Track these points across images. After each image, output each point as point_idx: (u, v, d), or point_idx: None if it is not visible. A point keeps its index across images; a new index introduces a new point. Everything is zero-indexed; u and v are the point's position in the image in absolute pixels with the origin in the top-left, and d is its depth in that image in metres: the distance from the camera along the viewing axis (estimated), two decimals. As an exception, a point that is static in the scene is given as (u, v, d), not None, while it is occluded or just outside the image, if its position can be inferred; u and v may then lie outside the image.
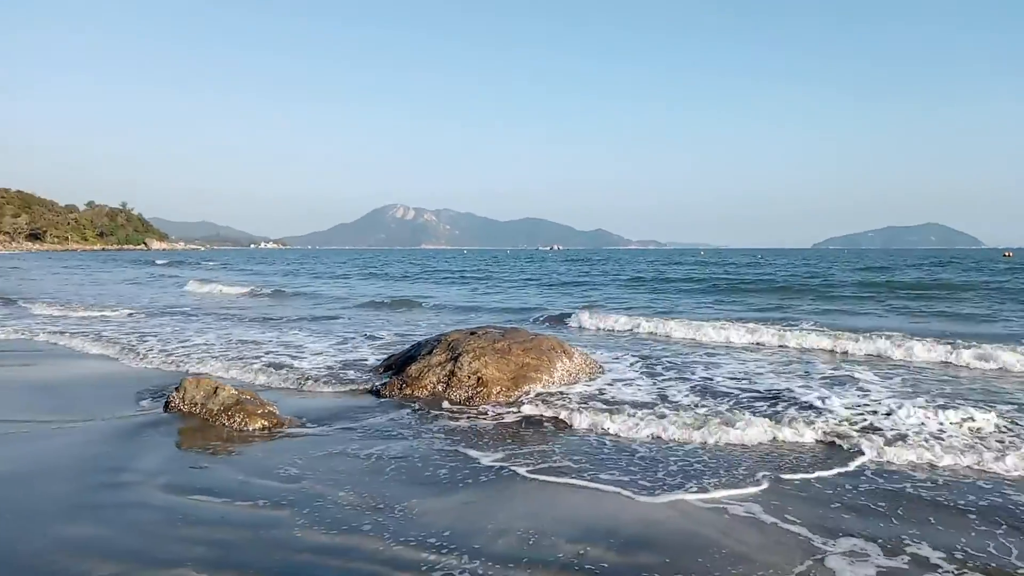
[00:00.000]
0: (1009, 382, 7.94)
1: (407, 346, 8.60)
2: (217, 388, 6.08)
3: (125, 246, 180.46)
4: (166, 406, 6.25)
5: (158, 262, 62.99)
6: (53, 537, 3.53)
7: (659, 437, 5.59)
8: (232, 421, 5.80)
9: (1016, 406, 6.54)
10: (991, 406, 6.33)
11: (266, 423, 5.79)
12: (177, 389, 6.25)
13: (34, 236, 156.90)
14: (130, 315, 15.23)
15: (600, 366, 8.25)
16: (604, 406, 6.39)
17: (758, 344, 10.74)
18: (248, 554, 3.38)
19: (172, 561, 3.27)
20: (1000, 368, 8.59)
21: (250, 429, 5.72)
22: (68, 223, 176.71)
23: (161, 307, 17.77)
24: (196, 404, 6.06)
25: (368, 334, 11.94)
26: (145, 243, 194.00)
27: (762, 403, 6.57)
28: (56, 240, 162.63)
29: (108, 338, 11.05)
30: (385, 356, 8.98)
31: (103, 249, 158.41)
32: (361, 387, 7.52)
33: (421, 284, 30.43)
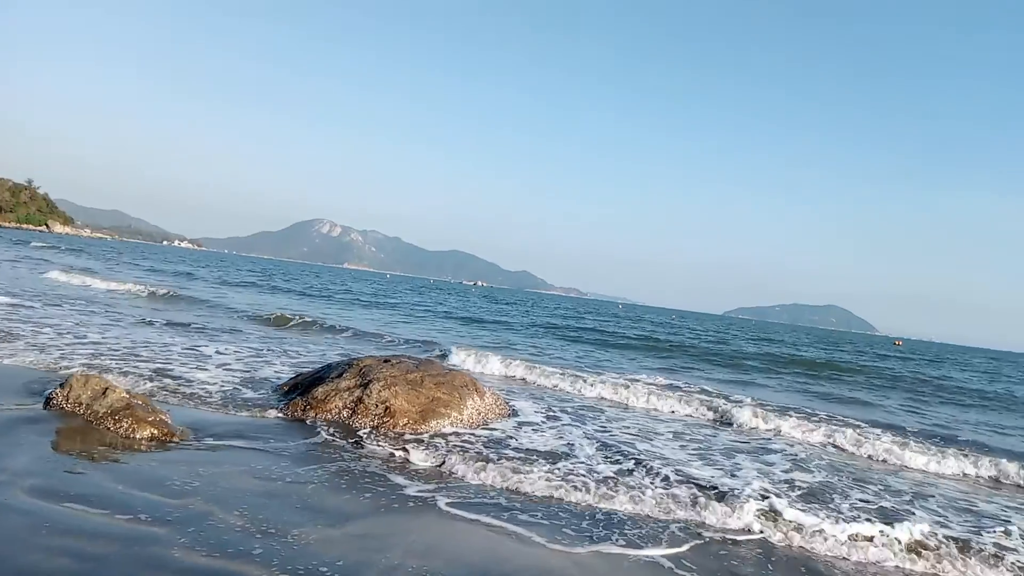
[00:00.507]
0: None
1: (317, 366, 8.36)
2: (107, 389, 5.71)
3: (24, 225, 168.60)
4: (47, 403, 5.81)
5: (33, 243, 57.83)
6: None
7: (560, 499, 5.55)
8: (119, 426, 5.44)
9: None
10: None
11: (156, 432, 5.46)
12: (62, 386, 5.83)
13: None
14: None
15: (511, 408, 8.24)
16: (510, 456, 6.35)
17: (655, 410, 10.67)
18: (118, 571, 3.15)
19: (31, 571, 3.01)
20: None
21: (138, 437, 5.38)
22: None
23: (30, 294, 15.69)
24: (81, 404, 5.66)
25: (272, 349, 11.53)
26: (47, 225, 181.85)
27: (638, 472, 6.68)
28: None
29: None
30: (291, 374, 8.68)
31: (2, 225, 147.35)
32: (262, 405, 7.21)
33: (336, 304, 29.65)
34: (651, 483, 5.85)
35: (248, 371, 9.02)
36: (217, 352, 10.34)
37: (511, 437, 6.97)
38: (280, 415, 6.87)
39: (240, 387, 7.93)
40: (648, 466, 6.31)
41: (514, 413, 8.13)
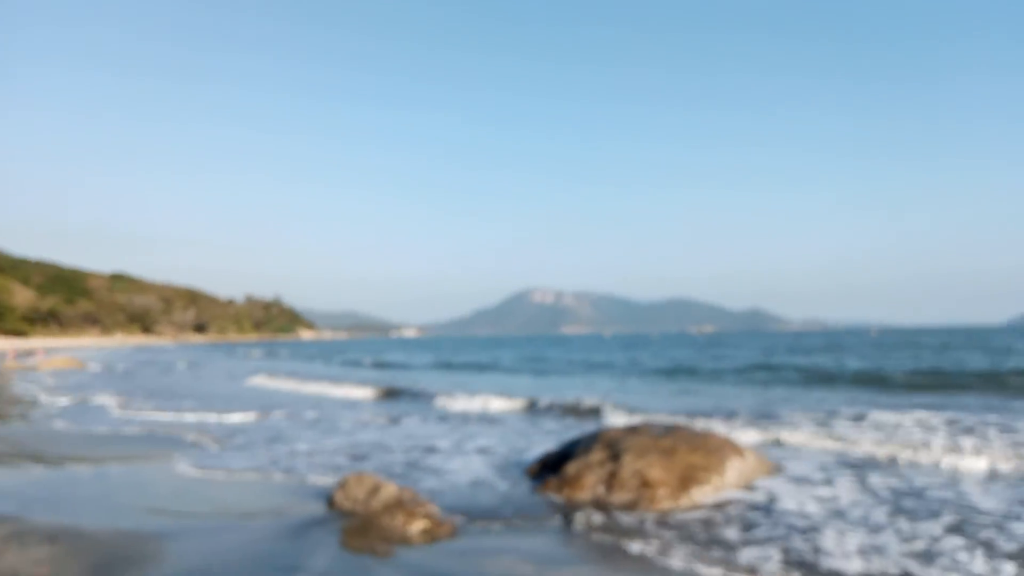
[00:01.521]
0: None
1: (563, 444, 8.30)
2: (378, 486, 6.07)
3: (278, 335, 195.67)
4: (329, 503, 6.30)
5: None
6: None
7: None
8: (394, 521, 5.72)
9: None
10: None
11: (427, 524, 5.66)
12: (341, 486, 6.30)
13: (199, 328, 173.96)
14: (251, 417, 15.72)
15: (777, 466, 7.54)
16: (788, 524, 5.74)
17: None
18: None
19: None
20: None
21: (411, 531, 5.60)
22: (228, 315, 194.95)
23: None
24: (358, 501, 6.06)
25: (503, 431, 11.72)
26: (297, 332, 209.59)
27: None
28: (217, 331, 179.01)
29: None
30: (536, 453, 8.71)
31: (258, 340, 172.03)
32: (514, 488, 7.26)
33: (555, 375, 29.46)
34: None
35: (489, 455, 9.17)
36: (454, 439, 10.69)
37: (781, 498, 6.33)
38: (535, 496, 6.85)
39: (488, 472, 8.08)
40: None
41: (778, 469, 7.43)
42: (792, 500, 6.33)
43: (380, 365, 38.35)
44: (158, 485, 7.32)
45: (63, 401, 16.85)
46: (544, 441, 10.18)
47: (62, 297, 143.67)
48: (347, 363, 40.69)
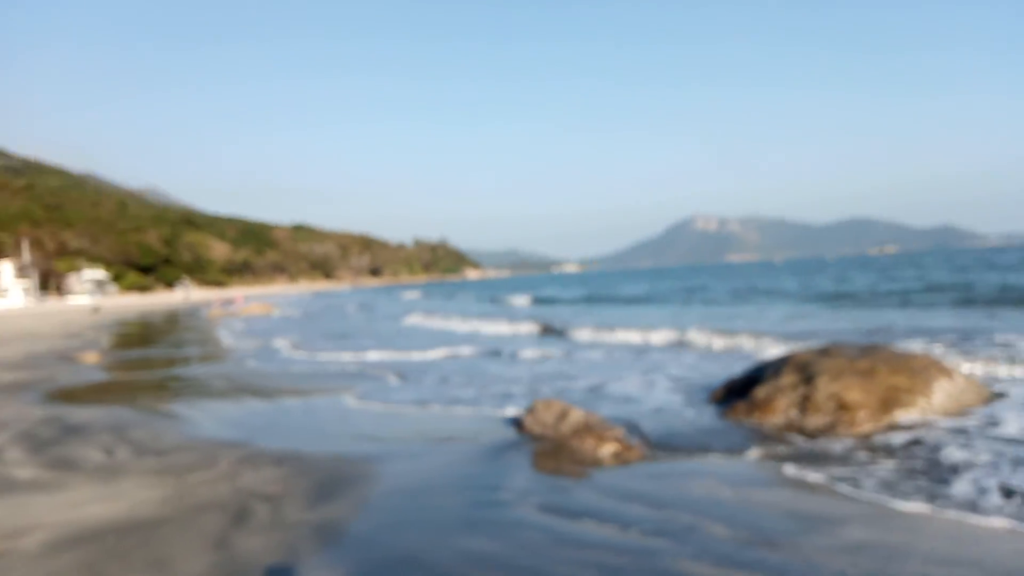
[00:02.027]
0: None
1: (748, 368, 8.00)
2: (566, 410, 6.18)
3: (446, 276, 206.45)
4: (519, 427, 6.51)
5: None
6: (456, 549, 3.73)
7: None
8: (583, 444, 5.81)
9: None
10: None
11: (617, 447, 5.70)
12: (529, 411, 6.48)
13: (373, 272, 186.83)
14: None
15: (993, 393, 6.83)
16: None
17: None
18: (641, 583, 3.20)
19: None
20: None
21: (601, 454, 5.67)
22: (399, 259, 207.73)
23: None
24: (547, 426, 6.21)
25: (679, 360, 11.51)
26: (463, 273, 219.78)
27: None
28: (391, 274, 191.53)
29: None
30: (723, 379, 8.49)
31: (427, 281, 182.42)
32: (699, 413, 7.13)
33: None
34: None
35: (665, 384, 9.05)
36: (628, 369, 10.69)
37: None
38: (722, 420, 6.69)
39: (669, 399, 7.99)
40: None
41: (997, 396, 6.73)
42: (1014, 426, 5.70)
43: (541, 300, 38.96)
44: (356, 416, 7.92)
45: (257, 343, 18.69)
46: (713, 369, 9.93)
47: (253, 249, 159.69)
48: (505, 300, 41.74)
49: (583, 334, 16.92)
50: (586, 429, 5.92)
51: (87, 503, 4.80)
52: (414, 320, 26.80)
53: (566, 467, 5.40)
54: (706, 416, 6.96)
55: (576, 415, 6.08)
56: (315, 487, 4.97)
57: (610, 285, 59.84)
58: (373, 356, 14.22)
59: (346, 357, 14.34)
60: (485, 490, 4.77)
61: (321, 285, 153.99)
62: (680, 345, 13.85)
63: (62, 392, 10.31)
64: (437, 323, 24.72)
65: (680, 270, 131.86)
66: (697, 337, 13.97)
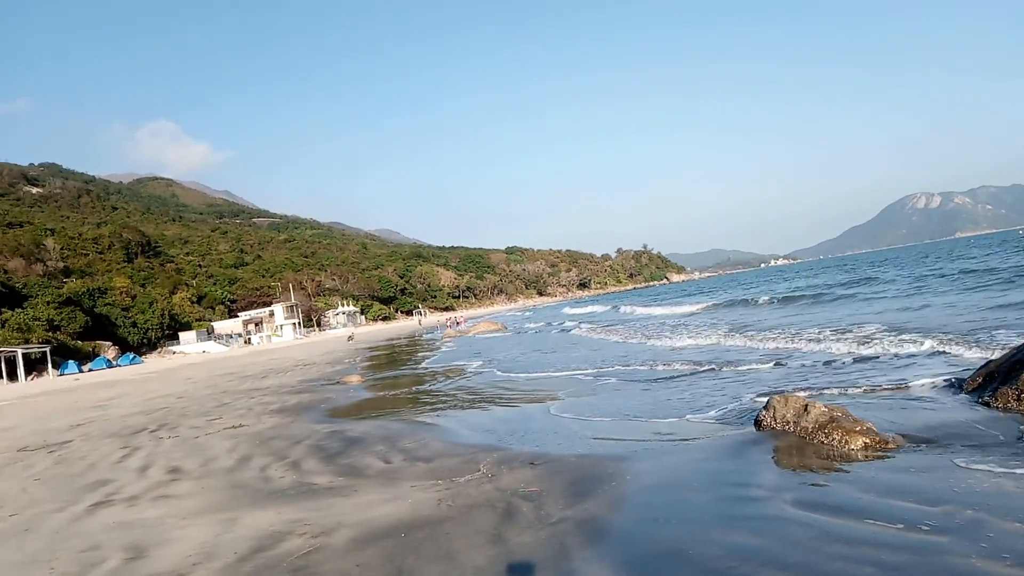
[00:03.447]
0: None
1: (1012, 351, 7.13)
2: (807, 405, 6.00)
3: (651, 282, 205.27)
4: (756, 424, 6.43)
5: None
6: (719, 543, 3.87)
7: None
8: (830, 439, 5.62)
9: None
10: None
11: (868, 440, 5.44)
12: (766, 408, 6.39)
13: (582, 285, 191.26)
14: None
15: None
16: None
17: None
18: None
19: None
20: None
21: (851, 447, 5.44)
22: (604, 270, 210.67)
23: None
24: (787, 422, 6.07)
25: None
26: (667, 277, 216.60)
27: None
28: (597, 286, 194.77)
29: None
30: (980, 365, 7.65)
31: (632, 288, 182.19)
32: (951, 403, 6.51)
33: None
34: None
35: (901, 372, 8.32)
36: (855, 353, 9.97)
37: None
38: (981, 411, 6.07)
39: (921, 391, 7.37)
40: None
41: None
42: None
43: (735, 303, 36.90)
44: (592, 418, 8.27)
45: (488, 358, 19.98)
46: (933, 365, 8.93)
47: (474, 274, 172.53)
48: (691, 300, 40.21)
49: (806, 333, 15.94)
50: (831, 423, 5.70)
51: (377, 504, 5.57)
52: (618, 332, 27.04)
53: (814, 462, 5.27)
54: (963, 405, 6.37)
55: (819, 409, 5.88)
56: (569, 485, 5.36)
57: (832, 274, 54.86)
58: (586, 369, 14.59)
59: (572, 365, 14.90)
60: (735, 486, 4.83)
61: (537, 301, 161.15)
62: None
63: (338, 410, 11.94)
64: (643, 336, 24.75)
65: (900, 253, 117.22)
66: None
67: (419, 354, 27.51)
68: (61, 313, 55.46)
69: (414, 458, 7.13)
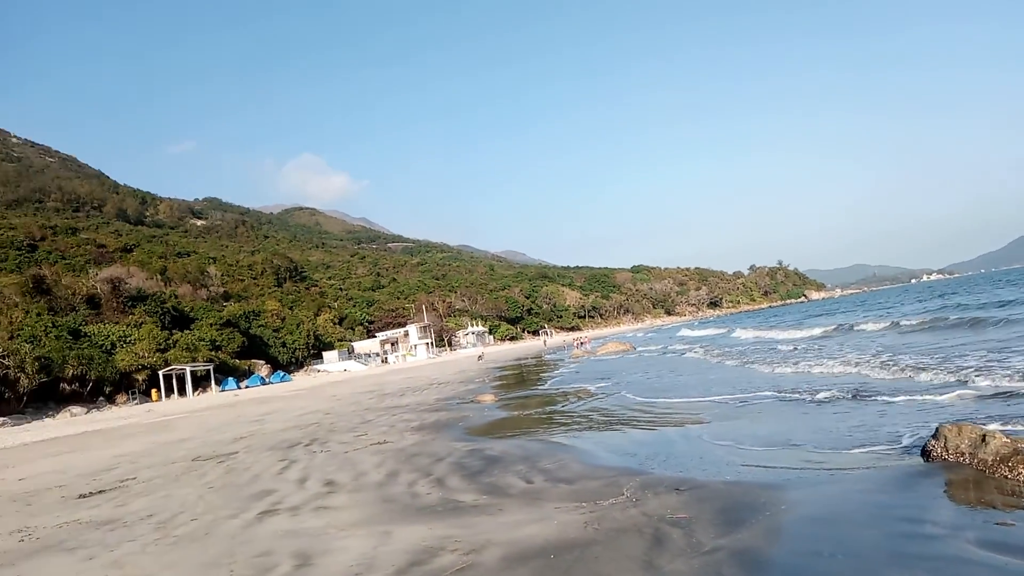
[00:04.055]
0: None
1: None
2: (985, 435, 5.49)
3: (787, 300, 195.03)
4: (924, 455, 5.95)
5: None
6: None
7: None
8: (1015, 473, 5.10)
9: None
10: None
11: (1065, 476, 4.89)
12: (935, 437, 5.91)
13: (712, 304, 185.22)
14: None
15: None
16: None
17: None
18: None
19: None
20: None
21: (1043, 484, 4.91)
22: (736, 288, 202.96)
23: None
24: (961, 453, 5.59)
25: None
26: (804, 295, 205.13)
27: None
28: (729, 304, 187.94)
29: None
30: None
31: (768, 306, 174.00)
32: None
33: None
34: None
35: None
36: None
37: None
38: None
39: None
40: None
41: None
42: None
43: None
44: (737, 444, 7.96)
45: (618, 379, 19.74)
46: None
47: (599, 293, 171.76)
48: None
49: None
50: (1016, 455, 5.18)
51: (523, 524, 5.62)
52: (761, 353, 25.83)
53: (996, 498, 4.82)
54: None
55: (999, 440, 5.36)
56: (719, 513, 5.20)
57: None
58: (723, 394, 14.05)
59: (704, 388, 14.44)
60: (906, 522, 4.51)
61: (664, 320, 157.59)
62: None
63: (475, 428, 12.23)
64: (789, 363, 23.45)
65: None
66: None
67: (547, 374, 27.69)
68: (222, 334, 60.53)
69: (555, 479, 7.16)
